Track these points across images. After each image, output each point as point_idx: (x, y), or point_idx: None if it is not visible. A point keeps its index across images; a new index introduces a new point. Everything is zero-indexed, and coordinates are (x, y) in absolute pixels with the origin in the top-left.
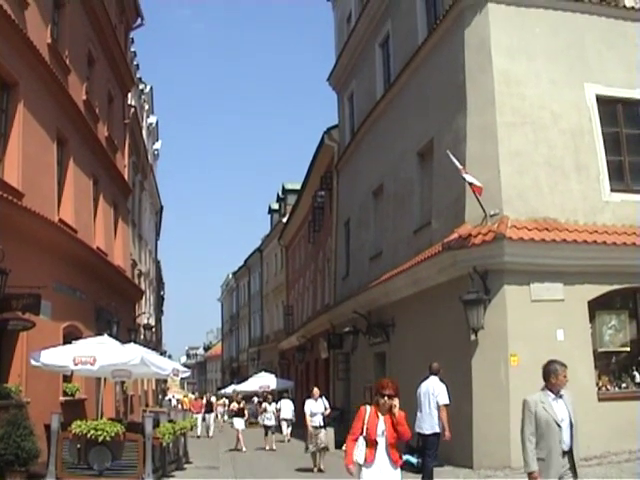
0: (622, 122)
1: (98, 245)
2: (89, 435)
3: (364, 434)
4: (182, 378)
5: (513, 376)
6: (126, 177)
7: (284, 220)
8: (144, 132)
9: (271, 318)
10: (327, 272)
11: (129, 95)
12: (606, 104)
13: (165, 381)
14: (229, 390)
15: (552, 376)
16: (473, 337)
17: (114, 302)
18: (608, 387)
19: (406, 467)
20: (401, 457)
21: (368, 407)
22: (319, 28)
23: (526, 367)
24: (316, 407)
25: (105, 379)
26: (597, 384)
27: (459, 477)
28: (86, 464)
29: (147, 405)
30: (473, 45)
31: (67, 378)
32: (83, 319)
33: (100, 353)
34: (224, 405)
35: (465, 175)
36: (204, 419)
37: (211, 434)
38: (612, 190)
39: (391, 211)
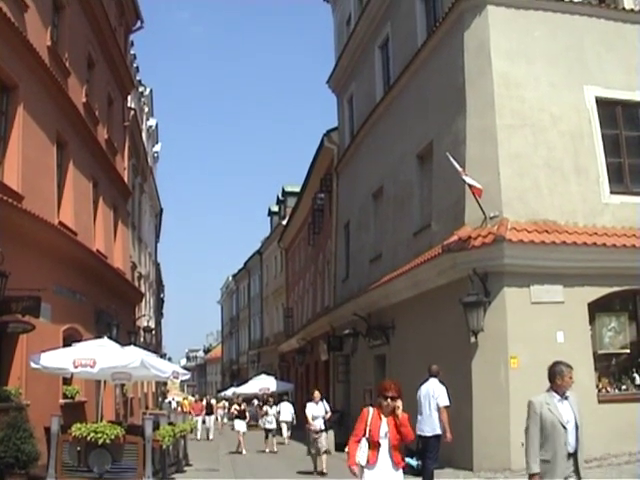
0: (621, 124)
1: (98, 248)
2: (89, 438)
3: (367, 436)
4: (182, 381)
5: (513, 378)
6: (126, 180)
7: (284, 222)
8: (144, 135)
9: (271, 320)
10: (327, 274)
11: (129, 98)
12: (605, 106)
13: (165, 384)
14: (229, 393)
15: (558, 377)
16: (473, 339)
17: (114, 305)
18: (608, 389)
19: (406, 469)
20: (403, 459)
21: (371, 409)
22: (319, 30)
23: (526, 369)
24: (317, 410)
25: (105, 382)
26: (597, 386)
27: (459, 479)
28: (86, 467)
29: (147, 408)
30: (472, 48)
31: (67, 381)
32: (83, 322)
33: (100, 356)
34: (224, 407)
35: (465, 177)
36: (204, 422)
37: (211, 437)
38: (612, 192)
39: (391, 213)
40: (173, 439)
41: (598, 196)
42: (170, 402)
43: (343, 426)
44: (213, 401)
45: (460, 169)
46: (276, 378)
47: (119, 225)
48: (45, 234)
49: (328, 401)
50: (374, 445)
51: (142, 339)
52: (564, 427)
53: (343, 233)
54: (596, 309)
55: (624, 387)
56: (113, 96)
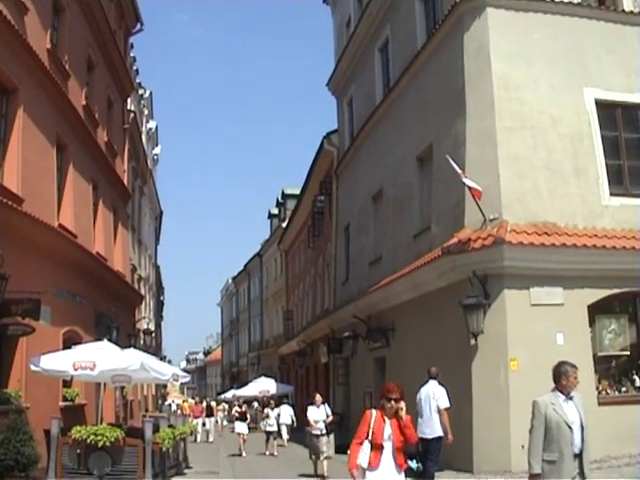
0: (621, 126)
1: (98, 250)
2: (89, 440)
3: (369, 438)
4: (182, 383)
5: (513, 380)
6: (126, 182)
7: (284, 225)
8: (144, 137)
9: (271, 323)
10: (327, 277)
11: (128, 100)
12: (605, 108)
13: (165, 386)
14: (229, 395)
15: (563, 377)
16: (473, 341)
17: (114, 307)
18: (608, 391)
19: (407, 472)
20: (406, 461)
21: (374, 411)
22: (318, 33)
23: (526, 371)
24: (318, 414)
25: (105, 384)
26: (597, 388)
27: None
28: (86, 469)
29: (147, 410)
30: (472, 50)
31: (67, 383)
32: (83, 324)
33: (100, 358)
34: (224, 410)
35: (464, 180)
36: (204, 424)
37: (211, 439)
38: (611, 194)
39: (391, 216)
40: (173, 442)
41: (598, 198)
42: (170, 405)
43: (343, 429)
44: (213, 403)
45: (460, 171)
46: (276, 380)
47: (119, 228)
48: (45, 237)
49: (328, 404)
50: (377, 447)
51: (142, 341)
52: (569, 427)
53: (343, 235)
54: (596, 311)
55: (624, 389)
56: (113, 99)
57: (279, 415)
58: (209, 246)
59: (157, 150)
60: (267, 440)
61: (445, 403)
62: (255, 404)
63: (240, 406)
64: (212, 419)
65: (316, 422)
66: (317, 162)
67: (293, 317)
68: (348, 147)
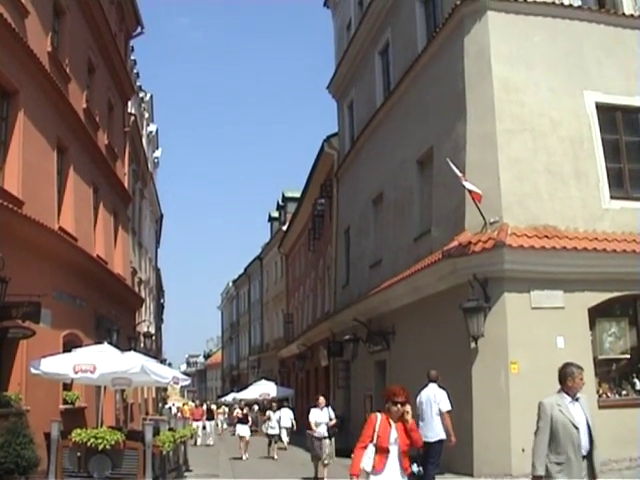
0: (621, 129)
1: (98, 253)
2: (89, 443)
3: (374, 442)
4: (182, 386)
5: (513, 383)
6: (126, 185)
7: (284, 228)
8: (144, 140)
9: (271, 326)
10: (327, 280)
11: (129, 103)
12: (605, 111)
13: (165, 389)
14: (229, 398)
15: (569, 379)
16: (473, 345)
17: (114, 310)
18: (608, 394)
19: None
20: (410, 465)
21: (379, 414)
22: (319, 35)
23: (526, 374)
24: (321, 416)
25: (105, 387)
26: (597, 391)
27: None
28: (86, 472)
29: (147, 413)
30: (472, 53)
31: (67, 386)
32: (83, 327)
33: (100, 361)
34: (224, 413)
35: (465, 183)
36: (204, 427)
37: (212, 442)
38: (612, 197)
39: (391, 219)
40: (173, 445)
41: (598, 201)
42: (170, 408)
43: (343, 432)
44: (213, 407)
45: (460, 174)
46: (276, 384)
47: (119, 230)
48: (45, 240)
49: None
50: (382, 451)
51: (142, 344)
52: (576, 428)
53: (343, 239)
54: (596, 314)
55: (624, 392)
56: (113, 102)
57: (280, 418)
58: (209, 249)
59: (157, 153)
60: (269, 443)
61: (447, 406)
62: (255, 407)
63: (242, 409)
64: (213, 422)
65: (318, 425)
66: (317, 165)
67: (293, 320)
68: (349, 150)
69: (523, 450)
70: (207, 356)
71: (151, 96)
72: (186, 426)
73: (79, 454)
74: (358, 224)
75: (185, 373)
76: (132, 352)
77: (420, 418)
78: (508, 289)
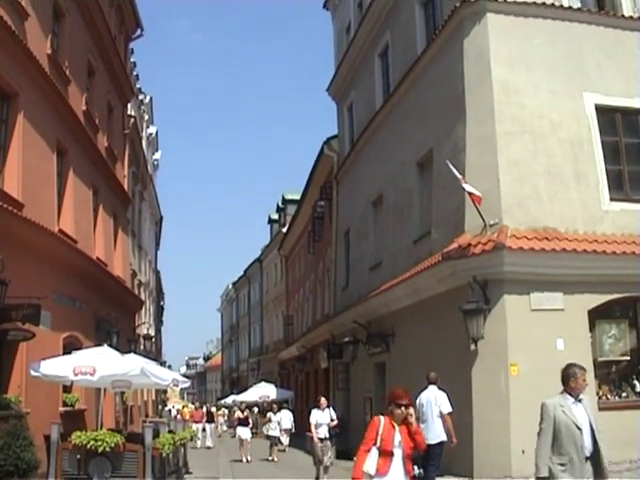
0: (621, 131)
1: (98, 255)
2: (89, 446)
3: (378, 445)
4: (182, 388)
5: (513, 385)
6: (126, 187)
7: (284, 230)
8: (144, 142)
9: (271, 328)
10: (327, 282)
11: (129, 105)
12: (605, 113)
13: (165, 391)
14: (229, 400)
15: (571, 380)
16: (473, 347)
17: (114, 312)
18: (608, 396)
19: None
20: (414, 468)
21: (382, 417)
22: (318, 38)
23: (526, 376)
24: (322, 417)
25: (105, 389)
26: (597, 393)
27: None
28: (86, 475)
29: (147, 415)
30: (472, 55)
31: (67, 388)
32: (83, 329)
33: (100, 363)
34: (223, 415)
35: (464, 185)
36: (204, 429)
37: (211, 444)
38: (611, 199)
39: (391, 221)
40: (173, 447)
41: (598, 203)
42: (170, 410)
43: (343, 434)
44: (213, 409)
45: (460, 176)
46: (276, 386)
47: (119, 233)
48: (45, 242)
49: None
50: (386, 454)
51: (142, 347)
52: (579, 429)
53: (343, 241)
54: (596, 316)
55: (624, 394)
56: (113, 104)
57: (281, 420)
58: (209, 251)
59: (157, 155)
60: (271, 445)
61: (448, 408)
62: (255, 409)
63: (242, 411)
64: (213, 425)
65: (319, 425)
66: (317, 167)
67: (293, 322)
68: (348, 152)
69: (523, 452)
70: (207, 358)
71: (151, 98)
72: (186, 428)
73: (79, 456)
74: (358, 226)
75: (185, 375)
76: (132, 354)
77: (420, 420)
78: (508, 291)
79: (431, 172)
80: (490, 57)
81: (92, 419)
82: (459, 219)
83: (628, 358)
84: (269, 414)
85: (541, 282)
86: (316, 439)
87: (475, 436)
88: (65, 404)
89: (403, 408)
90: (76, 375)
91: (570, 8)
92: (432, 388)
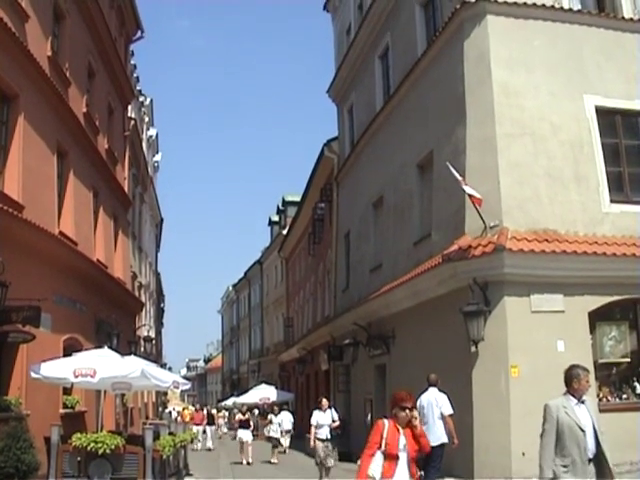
0: (621, 133)
1: (98, 257)
2: (89, 448)
3: (382, 449)
4: (182, 390)
5: (513, 387)
6: (126, 189)
7: (284, 232)
8: (144, 144)
9: (271, 330)
10: (327, 284)
11: (129, 107)
12: (605, 115)
13: (165, 393)
14: (229, 402)
15: (574, 381)
16: (473, 348)
17: (114, 314)
18: (609, 398)
19: None
20: (418, 471)
21: (386, 421)
22: (319, 40)
23: (526, 378)
24: (323, 418)
25: (105, 391)
26: (598, 395)
27: None
28: (86, 477)
29: (147, 417)
30: (472, 57)
31: (67, 390)
32: (83, 331)
33: (100, 365)
34: (224, 417)
35: (465, 187)
36: (204, 431)
37: (212, 446)
38: (612, 201)
39: (391, 223)
40: (173, 449)
41: (598, 205)
42: (170, 412)
43: (344, 436)
44: (214, 411)
45: (460, 178)
46: (276, 388)
47: (119, 235)
48: (45, 244)
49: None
50: (392, 458)
51: (142, 349)
52: (582, 430)
53: (343, 243)
54: (596, 318)
55: (625, 396)
56: (113, 106)
57: (282, 422)
58: (209, 253)
59: (157, 157)
60: (273, 447)
61: (449, 410)
62: (256, 411)
63: (244, 414)
64: (213, 427)
65: (320, 426)
66: (317, 169)
67: (293, 324)
68: (348, 154)
69: (523, 454)
70: (207, 360)
71: (151, 100)
72: (186, 430)
73: (79, 458)
74: (358, 228)
75: (185, 377)
76: (132, 356)
77: (421, 422)
78: (508, 293)
79: (431, 174)
80: (490, 59)
81: (92, 421)
82: (459, 221)
83: (628, 360)
84: (270, 416)
85: (541, 284)
86: (313, 440)
87: (475, 438)
88: (65, 406)
89: (407, 411)
90: (76, 377)
91: (570, 10)
92: (433, 390)
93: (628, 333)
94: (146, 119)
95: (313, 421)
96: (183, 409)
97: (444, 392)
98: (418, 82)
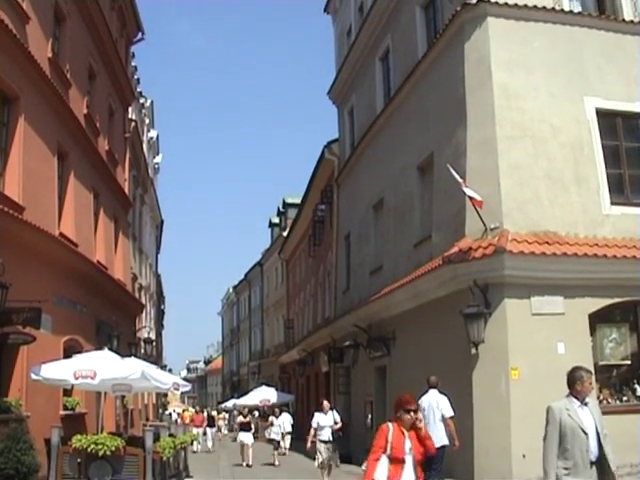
0: (622, 135)
1: (99, 259)
2: (89, 449)
3: (388, 453)
4: (182, 392)
5: (514, 389)
6: (126, 191)
7: (285, 234)
8: (144, 146)
9: (272, 332)
10: (328, 286)
11: (130, 109)
12: (605, 117)
13: (165, 395)
14: (229, 404)
15: (577, 383)
16: (474, 351)
17: (114, 316)
18: (609, 400)
19: None
20: (423, 473)
21: (390, 424)
22: (319, 41)
23: (527, 380)
24: (325, 420)
25: (105, 393)
26: (598, 397)
27: None
28: (86, 478)
29: (147, 419)
30: (473, 59)
31: (67, 392)
32: (83, 333)
33: (100, 367)
34: (224, 419)
35: (465, 189)
36: (205, 433)
37: (212, 448)
38: (612, 203)
39: (391, 225)
40: (173, 451)
41: (599, 207)
42: (171, 414)
43: (344, 437)
44: (214, 413)
45: (460, 180)
46: (277, 389)
47: (120, 236)
48: (46, 245)
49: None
50: (398, 462)
51: (143, 350)
52: (585, 433)
53: (344, 244)
54: (597, 320)
55: (625, 398)
56: (114, 107)
57: (283, 423)
58: (210, 255)
59: (158, 159)
60: (274, 449)
61: (449, 412)
62: (256, 413)
63: (245, 416)
64: (214, 429)
65: (321, 428)
66: (318, 171)
67: (294, 326)
68: (349, 156)
69: (524, 456)
70: (207, 362)
71: (152, 102)
72: (186, 432)
73: (79, 460)
74: (358, 230)
75: (185, 379)
76: (132, 358)
77: None
78: (508, 295)
79: (432, 176)
80: (491, 61)
81: (92, 423)
82: (460, 223)
83: (629, 362)
84: (271, 418)
85: (542, 286)
86: (310, 442)
87: (476, 440)
88: (65, 408)
89: (412, 413)
90: (77, 379)
91: (570, 12)
92: (433, 392)
93: (628, 335)
94: (147, 121)
95: (314, 423)
96: (183, 411)
97: (445, 394)
98: (418, 84)
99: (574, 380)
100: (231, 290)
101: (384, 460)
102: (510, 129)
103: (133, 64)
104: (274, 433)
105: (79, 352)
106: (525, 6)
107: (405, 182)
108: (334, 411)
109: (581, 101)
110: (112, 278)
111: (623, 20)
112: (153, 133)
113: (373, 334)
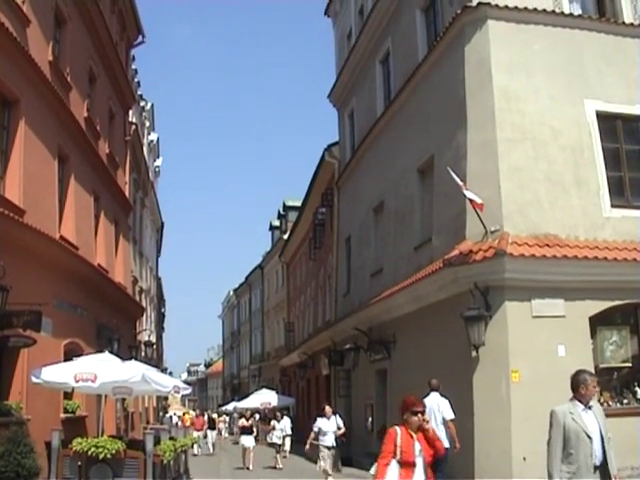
0: (622, 138)
1: (99, 262)
2: (90, 452)
3: (397, 457)
4: (183, 395)
5: (514, 392)
6: (127, 194)
7: (285, 237)
8: (145, 149)
9: (272, 335)
10: (328, 289)
11: (130, 112)
12: (606, 120)
13: (166, 398)
14: (230, 407)
15: (582, 386)
16: (474, 353)
17: (115, 319)
18: (610, 403)
19: None
20: (433, 475)
21: (397, 428)
22: (320, 44)
23: (527, 383)
24: (328, 426)
25: (106, 396)
26: (599, 400)
27: None
28: None
29: (148, 422)
30: (473, 62)
31: (68, 395)
32: (84, 336)
33: (101, 370)
34: (224, 422)
35: (465, 192)
36: (205, 436)
37: (213, 451)
38: (612, 206)
39: (392, 228)
40: (174, 454)
41: (599, 210)
42: (171, 417)
43: (345, 441)
44: (214, 415)
45: (461, 183)
46: (277, 392)
47: (120, 239)
48: (46, 248)
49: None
50: (409, 465)
51: (143, 353)
52: (589, 437)
53: (344, 247)
54: (597, 323)
55: (625, 401)
56: (114, 110)
57: (285, 427)
58: (210, 258)
59: (158, 162)
60: (276, 453)
61: (450, 414)
62: (257, 416)
63: (247, 419)
64: (215, 432)
65: (324, 434)
66: (318, 174)
67: (294, 329)
68: (349, 159)
69: (524, 458)
70: (208, 365)
71: (152, 105)
72: (187, 435)
73: (80, 463)
74: (359, 233)
75: (186, 382)
76: (133, 361)
77: None
78: (509, 298)
79: (432, 179)
80: (491, 63)
81: (93, 426)
82: (460, 226)
83: (629, 365)
84: (273, 422)
85: (542, 289)
86: (309, 445)
87: (476, 442)
88: (66, 411)
89: (419, 415)
90: (77, 382)
91: (571, 15)
92: (434, 395)
93: (629, 338)
94: (147, 124)
95: (315, 427)
96: (184, 414)
97: (445, 397)
98: (419, 87)
99: (578, 383)
100: (232, 293)
101: (394, 465)
102: (510, 132)
103: (133, 67)
104: (276, 437)
105: (79, 355)
106: (525, 9)
107: (405, 185)
108: (337, 416)
109: (581, 104)
110: (112, 281)
111: (623, 23)
112: (153, 136)
113: (374, 337)
